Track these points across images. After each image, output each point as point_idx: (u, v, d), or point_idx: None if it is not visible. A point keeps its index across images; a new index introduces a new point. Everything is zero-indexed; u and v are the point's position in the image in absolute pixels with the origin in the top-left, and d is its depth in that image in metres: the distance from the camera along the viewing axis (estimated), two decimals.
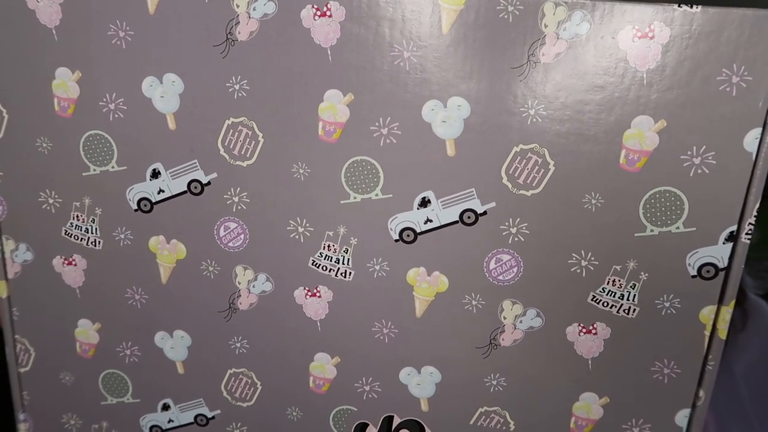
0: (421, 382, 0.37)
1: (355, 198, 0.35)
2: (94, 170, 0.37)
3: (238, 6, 0.33)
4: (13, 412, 0.43)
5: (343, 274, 0.36)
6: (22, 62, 0.36)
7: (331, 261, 0.36)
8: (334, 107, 0.33)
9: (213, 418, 0.41)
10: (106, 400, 0.42)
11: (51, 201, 0.38)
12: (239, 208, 0.36)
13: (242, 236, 0.36)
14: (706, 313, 0.33)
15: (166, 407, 0.41)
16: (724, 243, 0.32)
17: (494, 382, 0.36)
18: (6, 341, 0.41)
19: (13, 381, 0.42)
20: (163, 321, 0.39)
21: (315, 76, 0.33)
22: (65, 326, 0.40)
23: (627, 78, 0.30)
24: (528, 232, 0.33)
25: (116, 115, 0.36)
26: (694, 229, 0.32)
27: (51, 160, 0.37)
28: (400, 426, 0.38)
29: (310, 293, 0.37)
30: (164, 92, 0.35)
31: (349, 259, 0.36)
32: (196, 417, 0.41)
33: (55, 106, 0.36)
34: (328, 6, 0.32)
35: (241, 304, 0.38)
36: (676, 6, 0.29)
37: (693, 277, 0.33)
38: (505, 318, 0.35)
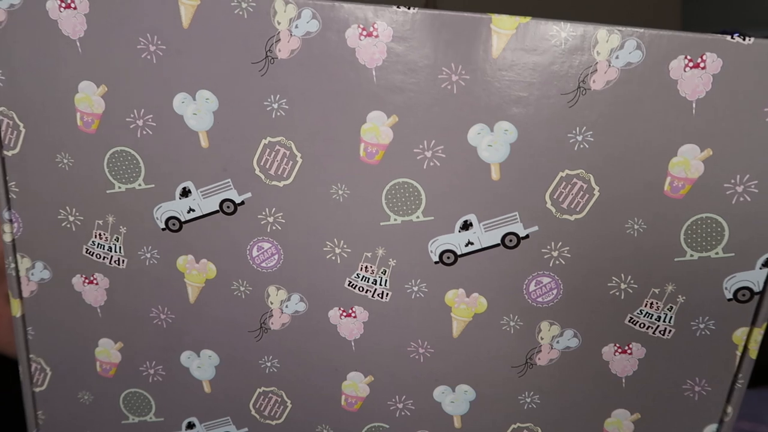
0: (455, 400, 0.37)
1: (395, 220, 0.34)
2: (119, 188, 0.35)
3: (279, 23, 0.31)
4: (26, 431, 0.42)
5: (380, 295, 0.36)
6: (43, 75, 0.34)
7: (368, 282, 0.35)
8: (377, 129, 0.33)
9: None
10: (127, 419, 0.41)
11: (71, 219, 0.36)
12: (274, 228, 0.35)
13: (276, 256, 0.36)
14: (739, 334, 0.34)
15: (191, 426, 0.40)
16: (761, 268, 0.33)
17: (528, 400, 0.37)
18: (20, 360, 0.40)
19: (27, 400, 0.41)
20: (189, 340, 0.38)
21: (358, 97, 0.32)
22: (85, 345, 0.39)
23: (676, 107, 0.31)
24: (569, 255, 0.34)
25: (144, 132, 0.34)
26: (733, 254, 0.33)
27: (72, 177, 0.36)
28: None
29: (344, 313, 0.36)
30: (197, 109, 0.33)
31: (386, 280, 0.35)
32: None
33: (78, 121, 0.34)
34: (375, 26, 0.31)
35: (272, 323, 0.37)
36: (728, 37, 0.29)
37: (729, 300, 0.33)
38: (542, 338, 0.35)
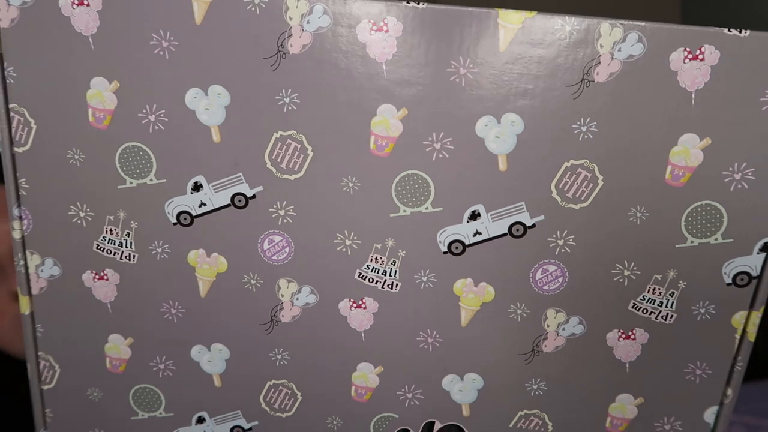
0: (463, 389, 0.38)
1: (404, 211, 0.35)
2: (131, 183, 0.36)
3: (291, 18, 0.32)
4: (33, 429, 0.42)
5: (390, 286, 0.36)
6: (55, 71, 0.34)
7: (377, 273, 0.36)
8: (387, 122, 0.33)
9: (250, 429, 0.40)
10: (136, 415, 0.41)
11: (82, 215, 0.37)
12: (285, 221, 0.36)
13: (287, 249, 0.36)
14: (738, 317, 0.35)
15: (201, 420, 0.41)
16: (758, 253, 0.34)
17: (535, 387, 0.38)
18: (28, 358, 0.40)
19: (35, 398, 0.41)
20: (200, 335, 0.39)
21: (369, 90, 0.33)
22: (94, 342, 0.39)
23: (676, 97, 0.32)
24: (575, 243, 0.35)
25: (156, 127, 0.35)
26: (732, 240, 0.34)
27: (83, 173, 0.36)
28: (441, 430, 0.39)
29: (355, 305, 0.37)
30: (209, 104, 0.34)
31: (396, 271, 0.36)
32: (232, 429, 0.40)
33: (90, 117, 0.35)
34: (385, 21, 0.32)
35: (283, 316, 0.38)
36: (726, 30, 0.31)
37: (728, 285, 0.35)
38: (548, 326, 0.36)
